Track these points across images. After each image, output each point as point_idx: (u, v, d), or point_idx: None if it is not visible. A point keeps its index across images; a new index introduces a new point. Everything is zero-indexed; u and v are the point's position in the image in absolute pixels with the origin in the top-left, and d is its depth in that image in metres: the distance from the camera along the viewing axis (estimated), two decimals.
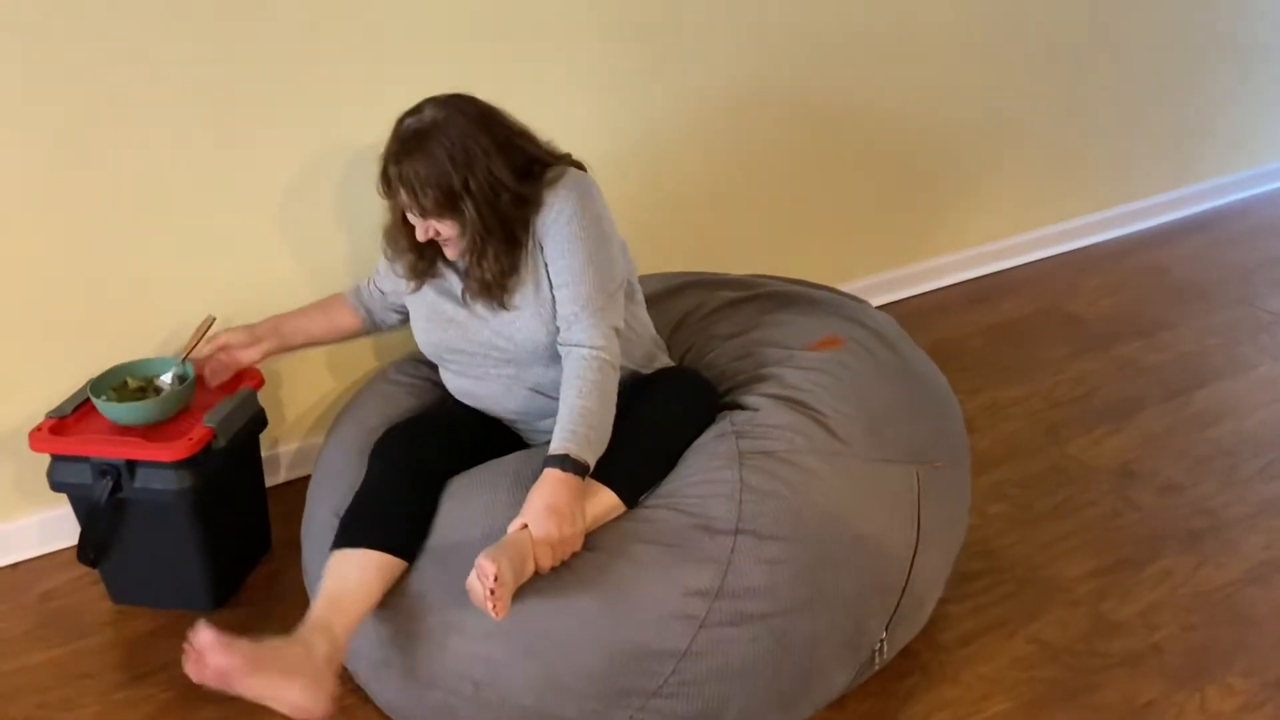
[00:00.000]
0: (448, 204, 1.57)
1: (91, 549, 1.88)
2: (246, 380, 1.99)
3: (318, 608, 1.51)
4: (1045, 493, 2.22)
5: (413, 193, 1.57)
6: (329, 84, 2.07)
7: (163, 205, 2.01)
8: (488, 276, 1.63)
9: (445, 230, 1.61)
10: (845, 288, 2.90)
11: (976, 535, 2.06)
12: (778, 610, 1.51)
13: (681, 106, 2.53)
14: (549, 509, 1.46)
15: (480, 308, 1.69)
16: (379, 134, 1.63)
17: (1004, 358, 2.78)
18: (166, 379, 1.94)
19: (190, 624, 1.96)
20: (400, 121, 1.60)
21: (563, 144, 1.70)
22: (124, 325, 2.05)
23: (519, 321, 1.66)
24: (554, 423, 1.59)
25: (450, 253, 1.67)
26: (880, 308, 3.00)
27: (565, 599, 1.49)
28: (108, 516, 1.85)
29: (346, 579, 1.54)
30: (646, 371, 1.80)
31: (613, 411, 1.59)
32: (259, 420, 2.01)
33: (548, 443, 1.57)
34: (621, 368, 1.71)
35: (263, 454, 2.24)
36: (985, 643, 1.82)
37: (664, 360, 1.87)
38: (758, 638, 1.50)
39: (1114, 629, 1.84)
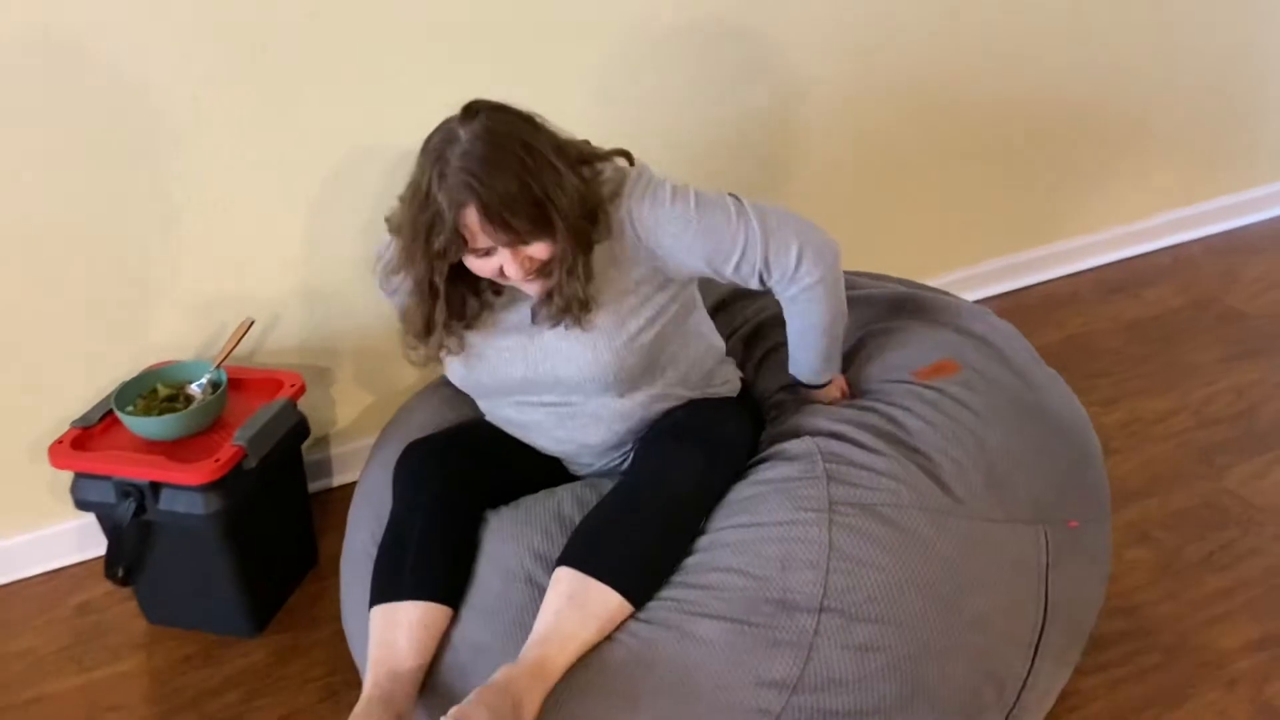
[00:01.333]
0: (541, 217, 1.30)
1: (120, 568, 1.76)
2: (285, 388, 1.83)
3: (375, 680, 1.36)
4: (1197, 535, 1.90)
5: (503, 223, 1.28)
6: (378, 83, 1.90)
7: (204, 207, 1.88)
8: (580, 293, 1.38)
9: (539, 253, 1.34)
10: (956, 275, 2.61)
11: (1114, 587, 1.75)
12: (868, 708, 1.27)
13: (783, 88, 2.27)
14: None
15: (511, 339, 1.48)
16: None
17: (1147, 361, 2.44)
18: (199, 386, 1.79)
19: (227, 649, 1.74)
20: (441, 158, 1.29)
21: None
22: (161, 327, 1.93)
23: (565, 350, 1.45)
24: (598, 461, 1.57)
25: (534, 285, 1.39)
26: (997, 299, 2.69)
27: (615, 680, 1.27)
28: (134, 538, 1.72)
29: (396, 644, 1.39)
30: (700, 395, 1.57)
31: (835, 321, 1.56)
32: (298, 432, 1.84)
33: (597, 475, 1.58)
34: (677, 396, 1.53)
35: (315, 457, 2.11)
36: None
37: (727, 375, 1.64)
38: None
39: None
